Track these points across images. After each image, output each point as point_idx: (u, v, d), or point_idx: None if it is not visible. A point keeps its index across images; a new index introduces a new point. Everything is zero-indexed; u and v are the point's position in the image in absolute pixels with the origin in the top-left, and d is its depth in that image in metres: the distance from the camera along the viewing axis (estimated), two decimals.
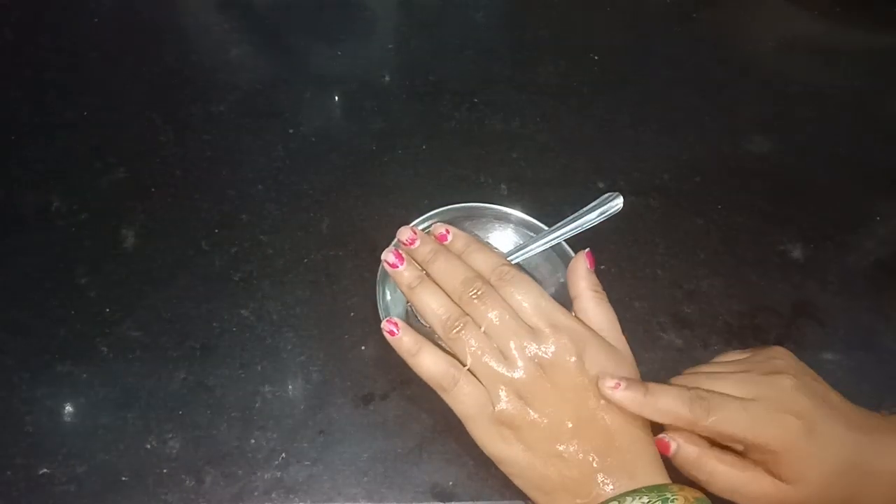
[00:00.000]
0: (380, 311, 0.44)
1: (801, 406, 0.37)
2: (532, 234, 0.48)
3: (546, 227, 0.47)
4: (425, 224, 0.47)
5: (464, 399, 0.37)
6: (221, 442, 0.41)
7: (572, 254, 0.47)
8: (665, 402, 0.36)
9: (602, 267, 0.50)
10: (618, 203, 0.45)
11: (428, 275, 0.41)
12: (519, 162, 0.57)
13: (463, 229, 0.48)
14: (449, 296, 0.39)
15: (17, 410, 0.42)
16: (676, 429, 0.37)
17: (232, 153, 0.55)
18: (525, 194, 0.54)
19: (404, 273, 0.41)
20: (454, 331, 0.38)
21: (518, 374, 0.36)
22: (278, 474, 0.41)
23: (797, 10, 0.72)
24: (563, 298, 0.46)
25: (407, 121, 0.59)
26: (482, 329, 0.37)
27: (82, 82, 0.59)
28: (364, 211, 0.52)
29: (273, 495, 0.40)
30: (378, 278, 0.45)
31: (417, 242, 0.42)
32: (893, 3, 0.73)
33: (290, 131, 0.57)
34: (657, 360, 0.46)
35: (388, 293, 0.45)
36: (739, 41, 0.69)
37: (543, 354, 0.36)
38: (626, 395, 0.36)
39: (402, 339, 0.39)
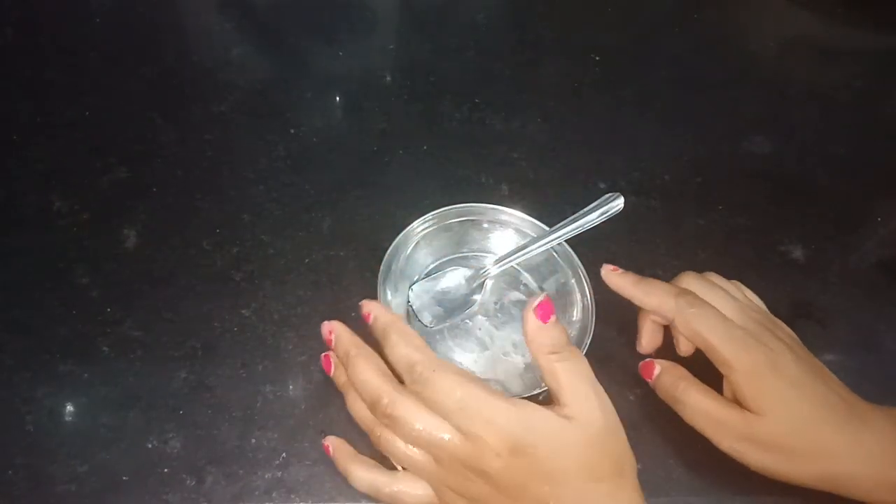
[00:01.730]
0: None
1: (775, 346, 0.39)
2: (533, 234, 0.48)
3: (547, 228, 0.47)
4: (426, 225, 0.48)
5: (408, 498, 0.36)
6: (222, 441, 0.41)
7: (573, 254, 0.47)
8: (654, 289, 0.42)
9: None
10: (618, 203, 0.45)
11: None
12: (520, 162, 0.57)
13: (464, 230, 0.49)
14: None
15: (18, 410, 0.42)
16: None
17: (233, 153, 0.55)
18: (526, 194, 0.54)
19: (334, 379, 0.41)
20: (375, 439, 0.37)
21: (450, 476, 0.35)
22: (279, 474, 0.41)
23: (797, 10, 0.72)
24: (564, 300, 0.47)
25: (408, 121, 0.59)
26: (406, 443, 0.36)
27: (83, 82, 0.59)
28: (365, 211, 0.52)
29: (274, 495, 0.40)
30: (379, 279, 0.45)
31: (333, 343, 0.40)
32: (894, 3, 0.73)
33: (292, 131, 0.57)
34: (661, 357, 0.46)
35: (389, 294, 0.45)
36: (739, 41, 0.70)
37: (472, 461, 0.34)
38: (620, 280, 0.43)
39: (335, 459, 0.39)
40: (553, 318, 0.36)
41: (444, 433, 0.34)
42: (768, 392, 0.38)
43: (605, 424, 0.35)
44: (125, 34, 0.63)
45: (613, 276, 0.43)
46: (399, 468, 0.37)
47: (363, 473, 0.38)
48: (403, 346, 0.37)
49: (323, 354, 0.42)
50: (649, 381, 0.42)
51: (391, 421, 0.35)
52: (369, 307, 0.39)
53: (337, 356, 0.40)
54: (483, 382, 0.35)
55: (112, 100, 0.58)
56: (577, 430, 0.34)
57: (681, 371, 0.41)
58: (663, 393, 0.42)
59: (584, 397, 0.35)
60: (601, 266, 0.44)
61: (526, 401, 0.35)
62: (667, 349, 0.46)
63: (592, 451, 0.34)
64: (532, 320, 0.36)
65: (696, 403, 0.40)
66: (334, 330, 0.40)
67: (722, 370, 0.40)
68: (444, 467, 0.35)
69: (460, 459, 0.34)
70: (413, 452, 0.35)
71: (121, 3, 0.65)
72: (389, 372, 0.38)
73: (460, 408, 0.34)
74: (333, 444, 0.40)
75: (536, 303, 0.36)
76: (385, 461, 0.38)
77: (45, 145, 0.54)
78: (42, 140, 0.54)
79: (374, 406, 0.36)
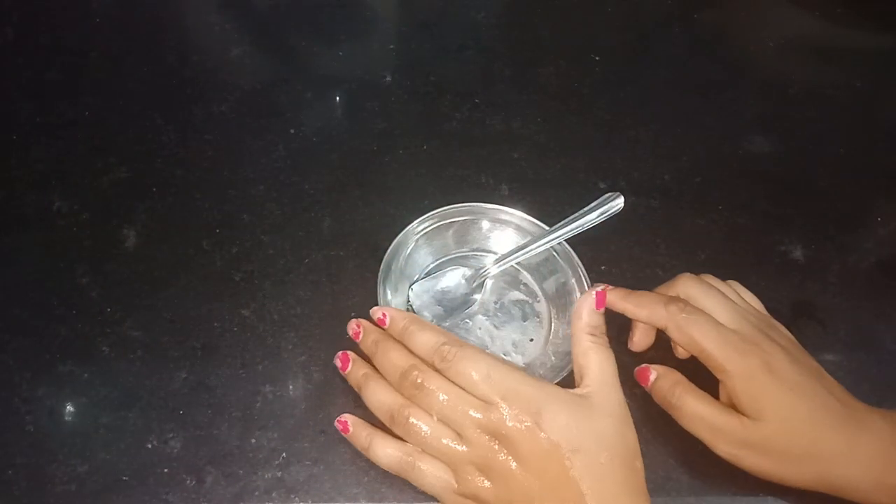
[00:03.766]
0: None
1: (770, 349, 0.39)
2: (533, 234, 0.48)
3: (547, 228, 0.47)
4: (426, 224, 0.48)
5: (425, 480, 0.37)
6: (222, 442, 0.41)
7: (573, 254, 0.47)
8: (644, 300, 0.42)
9: (603, 267, 0.50)
10: (618, 203, 0.45)
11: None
12: (520, 162, 0.57)
13: (464, 229, 0.49)
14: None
15: (18, 410, 0.42)
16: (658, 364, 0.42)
17: (233, 153, 0.55)
18: (526, 194, 0.54)
19: (350, 375, 0.41)
20: (400, 422, 0.37)
21: (474, 450, 0.35)
22: (279, 474, 0.41)
23: (797, 10, 0.72)
24: (564, 300, 0.47)
25: (408, 121, 0.59)
26: (433, 416, 0.37)
27: (83, 82, 0.59)
28: (365, 211, 0.52)
29: (274, 495, 0.40)
30: (379, 278, 0.45)
31: (361, 336, 0.42)
32: (894, 3, 0.73)
33: (292, 131, 0.57)
34: (658, 360, 0.46)
35: (388, 293, 0.45)
36: (739, 41, 0.70)
37: (497, 427, 0.35)
38: (609, 296, 0.42)
39: (354, 435, 0.39)
40: (603, 309, 0.40)
41: (472, 402, 0.36)
42: (763, 396, 0.38)
43: (621, 411, 0.37)
44: (125, 34, 0.63)
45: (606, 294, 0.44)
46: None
47: (387, 446, 0.38)
48: (427, 332, 0.39)
49: (340, 352, 0.42)
50: (645, 386, 0.42)
51: (420, 392, 0.37)
52: (382, 310, 0.41)
53: (364, 347, 0.41)
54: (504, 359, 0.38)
55: (112, 100, 0.58)
56: (596, 408, 0.36)
57: (677, 376, 0.41)
58: (660, 398, 0.42)
59: (608, 381, 0.38)
60: (600, 266, 0.44)
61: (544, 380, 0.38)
62: (664, 353, 0.46)
63: (609, 433, 0.36)
64: (590, 301, 0.40)
65: (692, 409, 0.40)
66: (362, 323, 0.42)
67: (717, 375, 0.40)
68: (470, 443, 0.36)
69: (487, 428, 0.35)
70: (440, 429, 0.36)
71: (121, 3, 0.65)
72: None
73: (487, 376, 0.36)
74: (351, 420, 0.40)
75: (600, 289, 0.41)
76: None
77: (45, 145, 0.54)
78: (42, 140, 0.54)
79: (403, 378, 0.38)
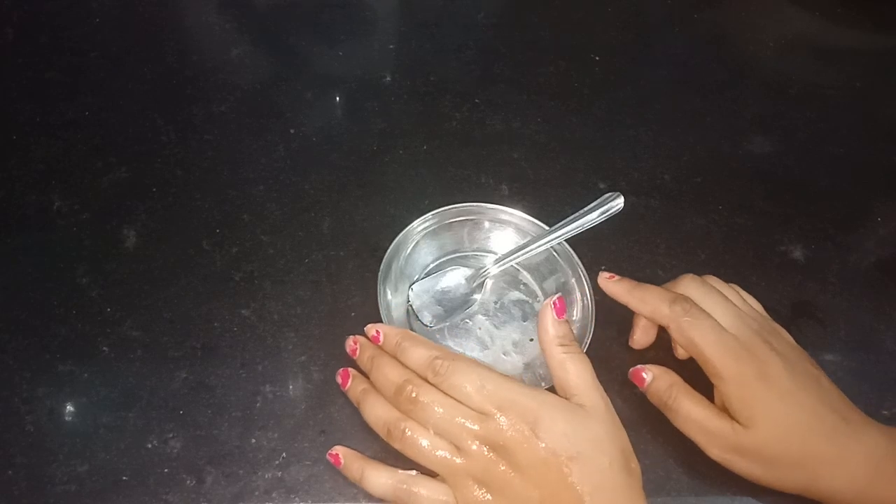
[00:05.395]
0: (381, 311, 0.44)
1: (767, 356, 0.39)
2: (533, 233, 0.48)
3: (547, 227, 0.47)
4: (426, 224, 0.48)
5: (425, 502, 0.37)
6: (222, 442, 0.41)
7: (573, 254, 0.47)
8: (650, 296, 0.42)
9: (603, 267, 0.50)
10: (618, 203, 0.45)
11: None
12: (520, 162, 0.57)
13: (464, 229, 0.49)
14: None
15: (18, 410, 0.42)
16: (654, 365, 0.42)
17: (233, 153, 0.55)
18: (526, 194, 0.54)
19: (350, 391, 0.41)
20: (397, 436, 0.37)
21: (472, 462, 0.35)
22: (279, 474, 0.41)
23: (797, 10, 0.72)
24: (564, 300, 0.47)
25: (408, 121, 0.59)
26: (429, 429, 0.36)
27: (83, 82, 0.59)
28: (365, 211, 0.52)
29: (274, 495, 0.40)
30: (379, 278, 0.45)
31: (357, 352, 0.42)
32: (893, 3, 0.73)
33: (292, 131, 0.57)
34: (658, 360, 0.46)
35: (388, 293, 0.45)
36: (739, 41, 0.70)
37: (495, 438, 0.35)
38: (615, 287, 0.43)
39: (347, 467, 0.39)
40: (565, 316, 0.39)
41: (468, 413, 0.36)
42: (755, 403, 0.38)
43: (610, 415, 0.37)
44: (125, 34, 0.63)
45: (609, 284, 0.44)
46: (414, 473, 0.38)
47: (380, 475, 0.38)
48: (420, 347, 0.39)
49: (341, 369, 0.42)
50: (640, 386, 0.42)
51: (415, 406, 0.37)
52: (376, 328, 0.41)
53: (361, 363, 0.41)
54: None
55: (112, 100, 0.58)
56: (588, 415, 0.36)
57: (673, 377, 0.41)
58: (655, 399, 0.42)
59: (591, 387, 0.37)
60: (600, 269, 0.44)
61: (539, 387, 0.37)
62: (665, 353, 0.46)
63: (604, 438, 0.36)
64: (550, 313, 0.39)
65: (687, 412, 0.40)
66: (359, 340, 0.42)
67: (712, 379, 0.40)
68: (468, 455, 0.35)
69: (484, 439, 0.35)
70: (437, 442, 0.36)
71: (121, 3, 0.65)
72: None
73: (481, 387, 0.36)
74: (343, 451, 0.40)
75: (554, 299, 0.39)
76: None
77: (45, 145, 0.54)
78: (43, 140, 0.54)
79: (398, 393, 0.37)
